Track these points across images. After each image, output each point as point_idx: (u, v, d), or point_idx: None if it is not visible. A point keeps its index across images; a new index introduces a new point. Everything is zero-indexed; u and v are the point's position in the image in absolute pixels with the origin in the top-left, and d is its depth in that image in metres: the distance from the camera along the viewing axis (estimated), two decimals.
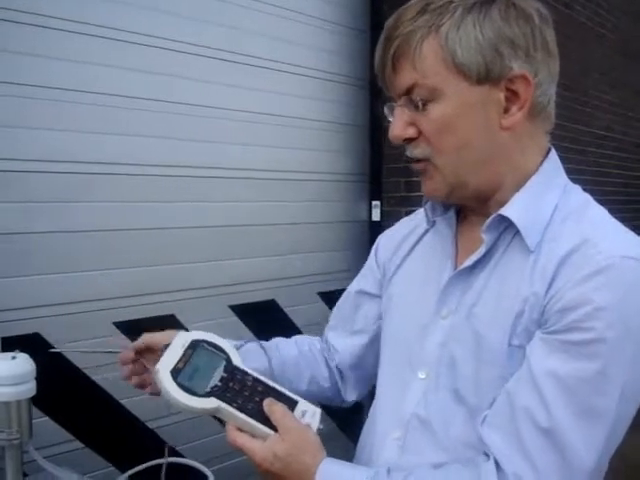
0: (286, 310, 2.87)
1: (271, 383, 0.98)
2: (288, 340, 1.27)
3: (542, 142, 0.96)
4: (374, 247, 1.21)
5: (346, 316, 1.23)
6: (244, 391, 0.94)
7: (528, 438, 0.82)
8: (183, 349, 0.97)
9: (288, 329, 2.88)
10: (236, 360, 0.99)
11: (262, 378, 0.98)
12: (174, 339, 1.00)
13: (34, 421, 2.12)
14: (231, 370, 0.97)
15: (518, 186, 0.92)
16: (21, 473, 1.29)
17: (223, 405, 0.92)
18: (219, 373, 0.96)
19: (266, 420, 0.92)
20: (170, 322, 2.47)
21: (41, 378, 1.99)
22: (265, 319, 2.78)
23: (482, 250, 0.93)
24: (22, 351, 2.20)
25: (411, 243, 1.11)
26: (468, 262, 0.95)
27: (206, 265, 2.59)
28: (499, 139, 0.90)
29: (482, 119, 0.89)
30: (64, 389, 2.14)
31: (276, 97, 2.79)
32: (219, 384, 0.94)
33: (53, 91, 2.09)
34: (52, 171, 2.12)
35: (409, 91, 0.90)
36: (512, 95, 0.88)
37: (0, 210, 2.02)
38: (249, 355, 1.13)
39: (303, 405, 0.96)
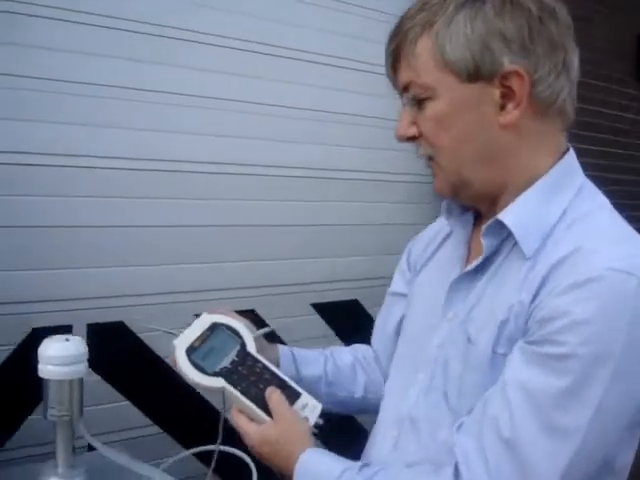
0: (369, 311, 2.87)
1: (279, 373, 1.02)
2: (344, 348, 1.30)
3: (555, 141, 0.92)
4: (406, 249, 1.22)
5: (382, 320, 1.24)
6: (251, 376, 1.00)
7: (490, 447, 0.80)
8: (202, 329, 1.04)
9: (370, 330, 2.87)
10: (250, 347, 1.04)
11: (272, 367, 1.02)
12: (197, 319, 1.07)
13: (116, 405, 2.25)
14: (243, 355, 1.02)
15: (525, 188, 0.89)
16: (71, 449, 1.37)
17: (228, 386, 0.98)
18: (231, 356, 1.01)
19: (265, 407, 0.97)
20: (250, 317, 2.52)
21: (124, 364, 2.11)
22: (347, 319, 2.79)
23: (482, 256, 0.91)
24: (107, 338, 2.33)
25: (436, 244, 1.11)
26: (469, 267, 0.94)
27: (289, 262, 2.63)
28: (500, 138, 0.87)
29: (477, 117, 0.87)
30: (145, 375, 2.25)
31: (368, 98, 2.80)
32: (229, 366, 1.00)
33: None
34: (144, 169, 2.25)
35: (406, 89, 0.91)
36: (508, 92, 0.85)
37: (83, 203, 2.16)
38: (305, 360, 1.18)
39: (305, 399, 1.00)
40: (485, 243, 0.90)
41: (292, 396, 0.99)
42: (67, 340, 1.34)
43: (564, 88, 0.88)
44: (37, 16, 2.00)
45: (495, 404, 0.81)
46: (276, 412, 0.95)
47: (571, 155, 0.93)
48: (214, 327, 1.05)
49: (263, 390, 0.98)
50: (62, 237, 2.12)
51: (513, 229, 0.86)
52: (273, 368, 1.02)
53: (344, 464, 0.92)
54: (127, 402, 2.22)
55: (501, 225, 0.88)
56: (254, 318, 1.11)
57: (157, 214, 2.29)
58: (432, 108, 0.88)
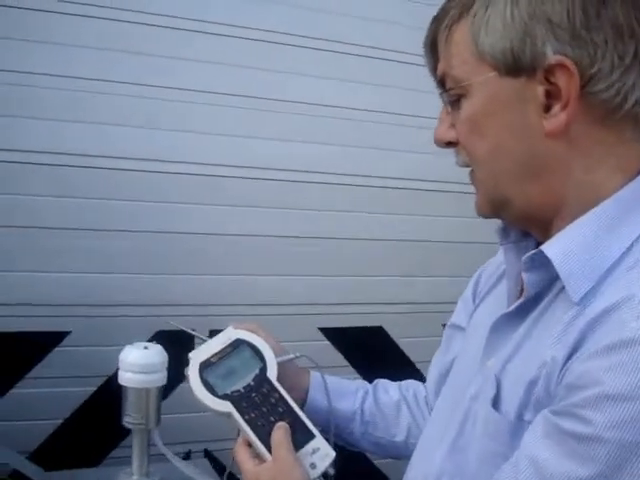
0: None
1: (296, 409, 0.91)
2: (392, 383, 1.15)
3: (627, 155, 0.72)
4: (475, 276, 1.04)
5: (438, 356, 1.09)
6: (262, 407, 0.89)
7: None
8: (223, 345, 0.96)
9: None
10: (271, 373, 0.94)
11: (288, 400, 0.91)
12: (222, 332, 0.99)
13: None
14: (260, 381, 0.92)
15: (583, 212, 0.71)
16: (146, 457, 1.37)
17: (235, 413, 0.88)
18: (247, 380, 0.92)
19: (270, 444, 0.86)
20: (377, 333, 2.46)
21: None
22: None
23: (525, 295, 0.75)
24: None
25: (499, 274, 0.94)
26: (511, 307, 0.77)
27: (422, 280, 2.52)
28: (546, 147, 0.70)
29: (518, 119, 0.71)
30: None
31: None
32: (241, 390, 0.90)
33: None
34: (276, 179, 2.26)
35: (442, 84, 0.77)
36: (554, 89, 0.68)
37: (216, 212, 2.19)
38: (339, 392, 1.07)
39: (318, 443, 0.88)
40: (527, 280, 0.73)
41: (303, 437, 0.88)
42: (146, 348, 1.34)
43: (636, 86, 0.68)
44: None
45: None
46: (274, 452, 0.85)
47: None
48: (237, 344, 0.96)
49: (272, 424, 0.87)
50: (193, 243, 2.19)
51: (557, 265, 0.69)
52: (290, 401, 0.91)
53: None
54: None
55: (547, 258, 0.71)
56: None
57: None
58: (467, 108, 0.74)
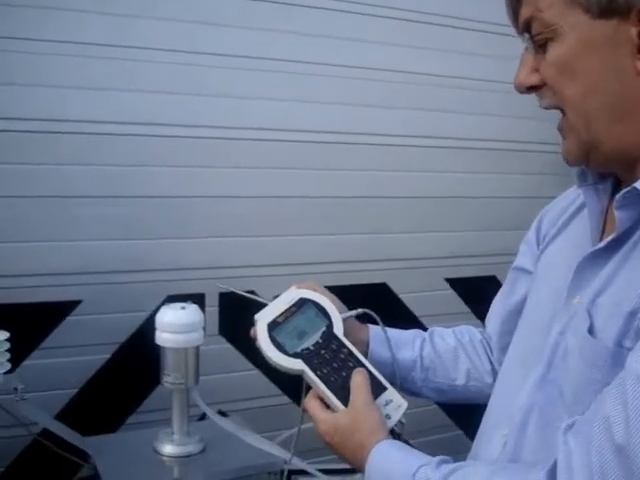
0: None
1: (366, 363, 0.94)
2: (446, 330, 1.18)
3: None
4: (537, 218, 1.07)
5: (502, 297, 1.12)
6: (333, 362, 0.92)
7: (598, 452, 0.66)
8: (288, 305, 0.98)
9: None
10: (337, 329, 0.96)
11: (357, 354, 0.94)
12: (285, 292, 1.01)
13: (247, 373, 2.26)
14: (328, 337, 0.95)
15: None
16: (186, 416, 1.38)
17: (307, 370, 0.91)
18: (315, 337, 0.94)
19: (344, 397, 0.89)
20: (381, 290, 2.48)
21: None
22: (484, 295, 2.66)
23: (615, 232, 0.77)
24: (238, 307, 2.37)
25: (567, 215, 0.96)
26: (600, 244, 0.79)
27: (423, 236, 2.54)
28: (637, 87, 0.72)
29: (610, 61, 0.72)
30: None
31: (505, 63, 2.63)
32: (311, 348, 0.93)
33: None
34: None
35: (527, 28, 0.78)
36: None
37: (225, 175, 2.19)
38: (398, 342, 1.09)
39: (390, 394, 0.92)
40: (619, 216, 0.76)
41: (376, 389, 0.91)
42: (183, 308, 1.34)
43: None
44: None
45: (610, 402, 0.67)
46: (354, 395, 0.88)
47: None
48: (301, 303, 0.98)
49: (345, 378, 0.90)
50: (199, 207, 2.17)
51: None
52: (359, 355, 0.94)
53: (421, 459, 0.81)
54: (257, 371, 2.24)
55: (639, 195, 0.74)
56: None
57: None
58: (556, 51, 0.75)
